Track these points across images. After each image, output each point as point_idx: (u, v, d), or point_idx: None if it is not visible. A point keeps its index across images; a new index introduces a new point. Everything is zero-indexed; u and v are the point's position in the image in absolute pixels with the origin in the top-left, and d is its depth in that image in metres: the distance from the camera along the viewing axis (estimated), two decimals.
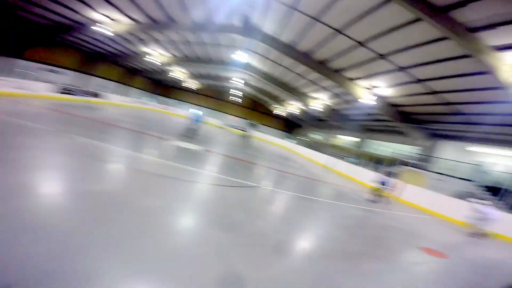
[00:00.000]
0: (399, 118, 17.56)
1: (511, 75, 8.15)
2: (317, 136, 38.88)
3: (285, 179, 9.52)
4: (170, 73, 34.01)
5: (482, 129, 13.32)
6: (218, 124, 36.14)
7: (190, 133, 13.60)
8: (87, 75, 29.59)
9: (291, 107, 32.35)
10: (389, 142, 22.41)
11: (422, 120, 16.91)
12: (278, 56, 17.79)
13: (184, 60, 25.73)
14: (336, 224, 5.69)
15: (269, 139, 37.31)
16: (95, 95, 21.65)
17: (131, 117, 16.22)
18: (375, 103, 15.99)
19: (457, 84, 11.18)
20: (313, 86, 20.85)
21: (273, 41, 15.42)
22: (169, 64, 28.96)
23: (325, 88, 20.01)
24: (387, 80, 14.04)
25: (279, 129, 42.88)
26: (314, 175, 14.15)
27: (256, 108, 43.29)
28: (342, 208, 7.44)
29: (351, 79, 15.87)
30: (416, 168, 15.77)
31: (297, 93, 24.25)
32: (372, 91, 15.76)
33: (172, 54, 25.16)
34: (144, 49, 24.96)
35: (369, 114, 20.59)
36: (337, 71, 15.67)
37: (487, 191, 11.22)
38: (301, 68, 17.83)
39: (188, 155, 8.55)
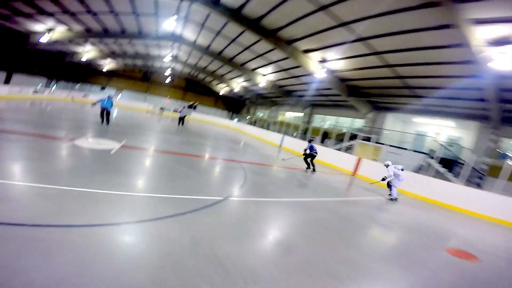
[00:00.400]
0: (347, 92, 17.32)
1: (482, 49, 7.82)
2: (264, 113, 37.82)
3: (249, 174, 7.43)
4: (76, 55, 26.55)
5: (429, 101, 13.84)
6: (149, 109, 30.91)
7: (102, 121, 10.64)
8: None
9: (235, 85, 29.79)
10: (338, 116, 22.63)
11: (371, 93, 17.02)
12: (220, 24, 14.71)
13: (91, 36, 19.31)
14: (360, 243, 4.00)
15: (213, 120, 34.44)
16: None
17: (16, 112, 11.14)
18: (325, 75, 15.03)
19: (413, 57, 10.80)
20: (260, 60, 18.69)
21: (213, 5, 12.32)
22: (70, 41, 21.92)
23: (273, 62, 18.13)
24: (341, 52, 12.95)
25: (222, 109, 39.99)
26: (273, 159, 12.56)
27: (194, 88, 38.94)
28: (334, 206, 5.93)
29: (304, 51, 14.33)
30: (367, 141, 15.73)
31: (241, 69, 21.71)
32: (323, 64, 14.69)
33: (71, 29, 18.49)
34: (35, 26, 17.79)
35: (318, 89, 19.98)
36: (289, 41, 13.80)
37: (441, 165, 11.62)
38: (248, 39, 15.33)
39: (98, 163, 5.37)
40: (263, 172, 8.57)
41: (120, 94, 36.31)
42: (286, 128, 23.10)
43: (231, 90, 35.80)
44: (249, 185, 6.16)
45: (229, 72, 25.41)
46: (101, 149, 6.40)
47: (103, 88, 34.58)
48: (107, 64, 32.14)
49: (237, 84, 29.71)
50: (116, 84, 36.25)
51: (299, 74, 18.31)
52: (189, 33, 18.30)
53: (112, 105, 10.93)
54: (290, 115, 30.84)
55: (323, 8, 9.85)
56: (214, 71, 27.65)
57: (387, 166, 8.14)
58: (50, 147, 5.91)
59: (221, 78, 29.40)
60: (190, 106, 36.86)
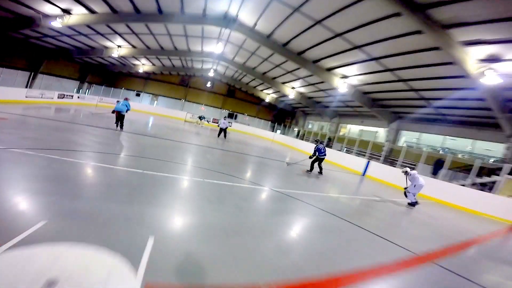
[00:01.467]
0: (502, 107, 10.56)
1: None
2: (313, 125, 31.49)
3: None
4: (106, 50, 22.50)
5: None
6: (188, 118, 26.64)
7: (116, 126, 10.18)
8: None
9: (289, 90, 23.89)
10: (456, 136, 15.22)
11: None
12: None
13: (118, 21, 14.24)
14: None
15: (255, 132, 29.15)
16: None
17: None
18: (493, 83, 8.53)
19: None
20: (346, 57, 12.71)
21: None
22: (96, 32, 17.45)
23: (373, 59, 11.98)
24: None
25: (265, 119, 34.42)
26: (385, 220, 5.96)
27: (235, 95, 34.17)
28: None
29: (463, 42, 8.10)
30: None
31: (311, 67, 15.32)
32: (490, 64, 8.25)
33: (92, 10, 13.75)
34: (44, 7, 13.44)
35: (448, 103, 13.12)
36: (446, 26, 7.70)
37: None
38: (354, 17, 9.14)
39: None
40: None
41: (156, 101, 32.87)
42: (360, 149, 16.70)
43: (280, 97, 30.11)
44: None
45: (288, 73, 19.47)
46: None
47: (138, 93, 31.49)
48: (142, 65, 28.70)
49: (292, 90, 23.91)
50: (152, 89, 33.00)
51: (411, 77, 11.98)
52: (248, 15, 12.83)
53: (126, 109, 10.30)
54: (354, 129, 24.22)
55: None
56: (265, 72, 22.10)
57: (406, 173, 7.60)
58: None
59: (271, 82, 23.77)
60: (230, 116, 32.41)
